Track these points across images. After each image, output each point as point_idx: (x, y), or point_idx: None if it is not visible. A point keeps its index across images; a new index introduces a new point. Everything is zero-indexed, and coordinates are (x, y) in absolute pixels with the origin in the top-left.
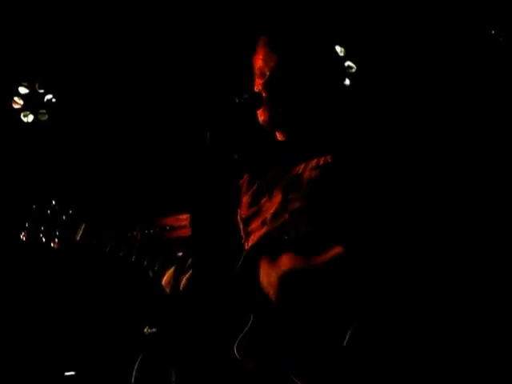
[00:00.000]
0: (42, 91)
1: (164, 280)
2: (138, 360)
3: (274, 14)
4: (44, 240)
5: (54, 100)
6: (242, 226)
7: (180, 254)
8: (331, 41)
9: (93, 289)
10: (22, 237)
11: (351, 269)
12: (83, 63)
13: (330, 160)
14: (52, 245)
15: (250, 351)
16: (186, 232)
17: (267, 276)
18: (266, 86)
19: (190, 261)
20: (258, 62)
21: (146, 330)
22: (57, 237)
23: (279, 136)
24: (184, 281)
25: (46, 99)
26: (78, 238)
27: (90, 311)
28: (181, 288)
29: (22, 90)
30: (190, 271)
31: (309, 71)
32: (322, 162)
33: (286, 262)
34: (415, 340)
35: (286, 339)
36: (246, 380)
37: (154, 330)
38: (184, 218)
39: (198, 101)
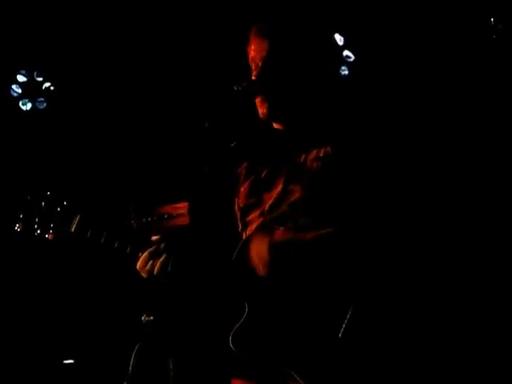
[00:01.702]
0: (40, 79)
1: (138, 264)
2: (136, 348)
3: (267, 2)
4: (39, 231)
5: (52, 88)
6: (239, 216)
7: (155, 237)
8: (325, 28)
9: (90, 278)
10: (17, 228)
11: (346, 249)
12: (81, 51)
13: (329, 151)
14: (47, 236)
15: (245, 342)
16: (185, 220)
17: (258, 245)
18: (258, 77)
19: (163, 245)
20: (251, 52)
21: (143, 318)
22: (52, 228)
23: (278, 126)
24: (158, 265)
25: (44, 87)
26: (73, 229)
27: (88, 300)
28: (155, 272)
29: (21, 78)
30: (164, 255)
31: (301, 59)
32: (322, 153)
33: (278, 234)
34: (410, 329)
35: (281, 330)
36: (240, 371)
37: (151, 318)
38: (182, 207)
39: (197, 88)
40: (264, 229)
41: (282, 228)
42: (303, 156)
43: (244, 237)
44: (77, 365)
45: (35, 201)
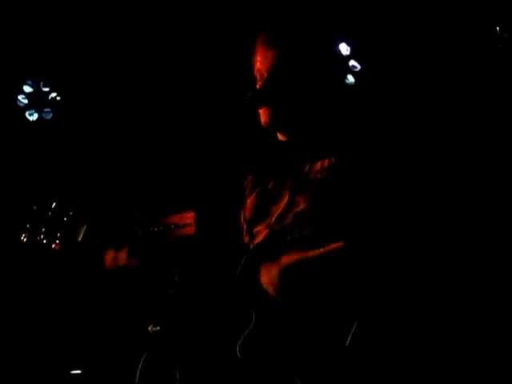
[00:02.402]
0: (46, 89)
1: (108, 262)
2: (143, 358)
3: (273, 11)
4: (45, 241)
5: (58, 98)
6: (245, 228)
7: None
8: (331, 38)
9: (96, 287)
10: (23, 238)
11: (352, 263)
12: (87, 61)
13: (334, 161)
14: (53, 246)
15: (252, 351)
16: (191, 230)
17: (267, 272)
18: (264, 87)
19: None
20: (256, 63)
21: (150, 328)
22: (58, 238)
23: (281, 137)
24: (136, 261)
25: (50, 97)
26: (80, 238)
27: (94, 310)
28: (137, 267)
29: (27, 89)
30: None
31: (307, 70)
32: (326, 164)
33: (286, 258)
34: (416, 339)
35: (288, 339)
36: (248, 380)
37: (158, 328)
38: (189, 217)
39: (200, 99)
40: (272, 254)
41: (290, 250)
42: (308, 166)
43: (250, 248)
44: (84, 375)
45: (41, 211)
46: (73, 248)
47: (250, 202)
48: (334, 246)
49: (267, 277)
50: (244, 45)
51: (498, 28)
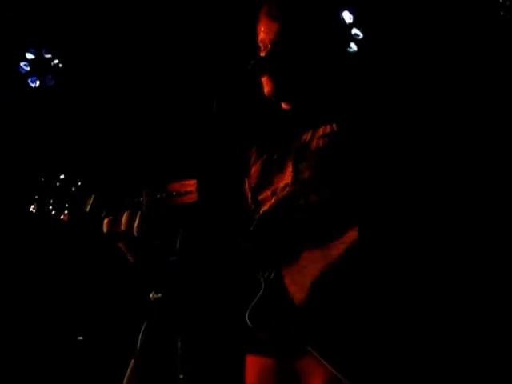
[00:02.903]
0: (48, 56)
1: (107, 226)
2: (144, 325)
3: None
4: (54, 212)
5: (60, 65)
6: (250, 195)
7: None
8: (334, 8)
9: (99, 256)
10: (32, 209)
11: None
12: (89, 28)
13: (336, 128)
14: (62, 217)
15: (262, 318)
16: (193, 198)
17: (294, 283)
18: (267, 58)
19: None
20: (260, 33)
21: (151, 295)
22: (66, 209)
23: (284, 105)
24: (137, 225)
25: (52, 64)
26: (88, 209)
27: (97, 277)
28: (135, 233)
29: (29, 55)
30: (140, 213)
31: (310, 41)
32: (328, 130)
33: (312, 267)
34: (428, 326)
35: (298, 306)
36: (256, 347)
37: (159, 295)
38: (190, 184)
39: (204, 68)
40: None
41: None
42: (310, 134)
43: (256, 216)
44: (85, 341)
45: (50, 182)
46: (80, 218)
47: (254, 170)
48: (351, 239)
49: (295, 287)
50: (248, 13)
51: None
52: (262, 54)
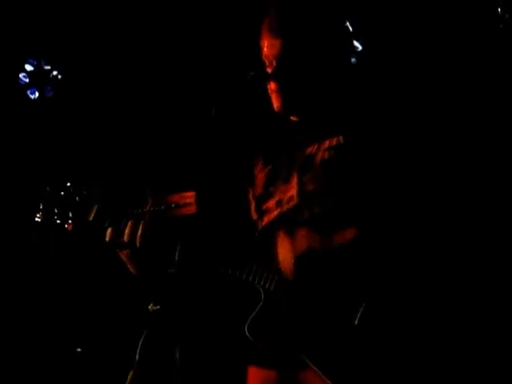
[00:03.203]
0: (48, 68)
1: (107, 236)
2: (143, 337)
3: None
4: (58, 221)
5: (59, 76)
6: (254, 205)
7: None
8: (339, 17)
9: (98, 266)
10: (38, 219)
11: (365, 251)
12: (88, 39)
13: (342, 140)
14: (66, 226)
15: (262, 330)
16: (192, 210)
17: (284, 258)
18: (274, 75)
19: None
20: (264, 49)
21: (150, 307)
22: (70, 218)
23: (293, 118)
24: (140, 235)
25: (51, 75)
26: (92, 218)
27: (95, 288)
28: (138, 244)
29: (28, 67)
30: (143, 224)
31: (315, 54)
32: (334, 143)
33: (301, 243)
34: (425, 319)
35: (298, 318)
36: (257, 358)
37: (158, 307)
38: (189, 196)
39: (206, 77)
40: (286, 233)
41: (303, 228)
42: (316, 146)
43: (260, 225)
44: (84, 353)
45: (54, 191)
46: (84, 227)
47: (260, 179)
48: (347, 233)
49: (283, 263)
50: (251, 27)
51: (499, 9)
52: (269, 69)
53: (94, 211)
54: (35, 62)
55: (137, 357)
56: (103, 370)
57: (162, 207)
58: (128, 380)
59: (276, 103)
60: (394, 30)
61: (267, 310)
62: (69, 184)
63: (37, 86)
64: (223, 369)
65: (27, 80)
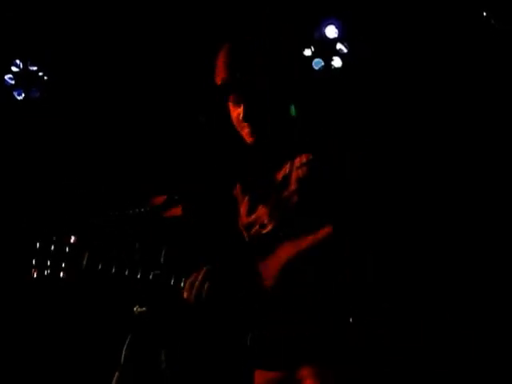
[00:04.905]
0: (34, 69)
1: (186, 293)
2: (128, 339)
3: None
4: (51, 273)
5: (45, 78)
6: (245, 233)
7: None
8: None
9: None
10: (33, 274)
11: (341, 250)
12: (74, 40)
13: (312, 156)
14: (61, 276)
15: (260, 337)
16: (177, 212)
17: (264, 269)
18: (245, 118)
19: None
20: (220, 74)
21: (135, 309)
22: (63, 268)
23: (263, 146)
24: (206, 291)
25: (37, 76)
26: (84, 265)
27: (80, 291)
28: (205, 298)
29: (14, 68)
30: (208, 282)
31: (274, 78)
32: (305, 159)
33: (282, 251)
34: (414, 324)
35: (293, 324)
36: (259, 363)
37: (143, 309)
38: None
39: (193, 84)
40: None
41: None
42: (288, 166)
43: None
44: (70, 354)
45: (44, 246)
46: (79, 275)
47: (243, 209)
48: (323, 232)
49: (265, 273)
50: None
51: (484, 13)
52: (236, 112)
53: (86, 258)
54: (21, 64)
55: (122, 359)
56: (89, 372)
57: (148, 209)
58: (113, 382)
59: (250, 139)
60: (380, 36)
61: (263, 319)
62: (56, 237)
63: (23, 87)
64: (223, 373)
65: (13, 82)
